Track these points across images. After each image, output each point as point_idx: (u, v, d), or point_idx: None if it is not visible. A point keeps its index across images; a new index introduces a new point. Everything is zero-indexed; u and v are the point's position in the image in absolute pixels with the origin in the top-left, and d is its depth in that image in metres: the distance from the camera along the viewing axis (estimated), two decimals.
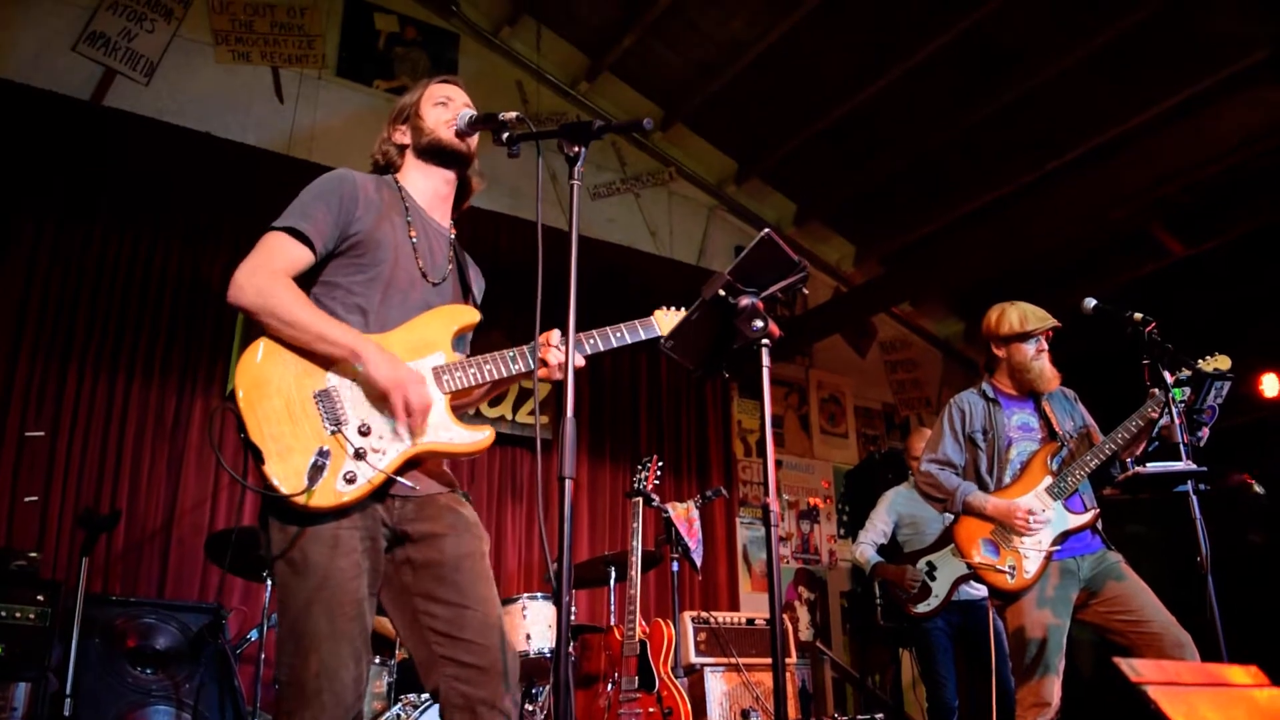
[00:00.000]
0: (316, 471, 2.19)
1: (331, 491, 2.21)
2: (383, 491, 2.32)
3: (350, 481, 2.24)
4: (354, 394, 2.33)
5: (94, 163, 5.91)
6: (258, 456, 2.19)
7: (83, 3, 6.18)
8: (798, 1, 6.65)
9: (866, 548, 5.66)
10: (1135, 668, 1.34)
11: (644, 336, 2.74)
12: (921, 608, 5.12)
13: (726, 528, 7.86)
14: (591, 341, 2.61)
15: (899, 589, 5.24)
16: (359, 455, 2.26)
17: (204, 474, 5.87)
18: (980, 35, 6.58)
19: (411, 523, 2.38)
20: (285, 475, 2.18)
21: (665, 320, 2.79)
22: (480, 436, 2.44)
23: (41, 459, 5.42)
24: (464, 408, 2.65)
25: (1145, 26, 6.17)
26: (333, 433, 2.26)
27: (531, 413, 6.67)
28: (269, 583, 4.54)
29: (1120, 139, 6.93)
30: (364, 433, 2.29)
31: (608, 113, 7.83)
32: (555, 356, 2.51)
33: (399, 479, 2.31)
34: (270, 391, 2.26)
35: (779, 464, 8.47)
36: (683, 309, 2.80)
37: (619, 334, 2.68)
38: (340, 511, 2.24)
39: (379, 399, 2.32)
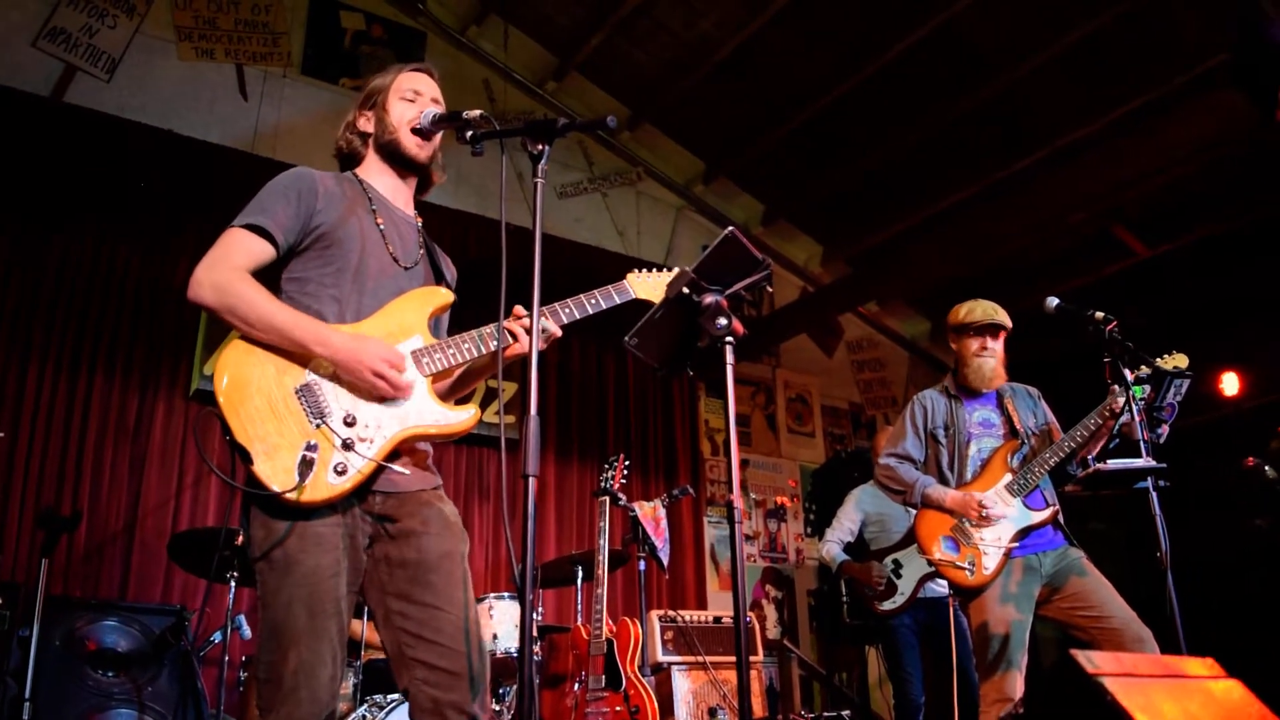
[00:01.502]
0: (306, 466, 2.18)
1: (324, 485, 2.21)
2: (365, 488, 2.31)
3: (341, 473, 2.23)
4: (335, 386, 2.32)
5: (55, 160, 5.82)
6: (245, 457, 2.18)
7: None
8: (766, 2, 6.68)
9: (833, 545, 5.69)
10: (1092, 660, 1.36)
11: (618, 300, 2.71)
12: (887, 605, 5.16)
13: (694, 527, 7.88)
14: (567, 310, 2.59)
15: (865, 586, 5.27)
16: (347, 446, 2.25)
17: (167, 475, 5.81)
18: (947, 38, 6.63)
19: (392, 519, 2.37)
20: (274, 473, 2.17)
21: (639, 282, 2.76)
22: (465, 416, 2.44)
23: (0, 461, 5.34)
24: (445, 392, 2.63)
25: (1109, 31, 6.25)
26: (317, 426, 2.25)
27: (498, 411, 6.65)
28: (232, 584, 4.50)
29: (1084, 142, 7.02)
30: (349, 423, 2.28)
31: (576, 112, 7.82)
32: (526, 329, 2.48)
33: (390, 465, 2.31)
34: (251, 391, 2.24)
35: (746, 463, 8.49)
36: (655, 270, 2.80)
37: (593, 300, 2.65)
38: (327, 506, 2.23)
39: (356, 387, 2.30)
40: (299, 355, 2.31)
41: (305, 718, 2.15)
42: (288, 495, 2.16)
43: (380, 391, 2.31)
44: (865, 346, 9.66)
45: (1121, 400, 3.60)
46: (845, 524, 5.79)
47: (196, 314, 6.05)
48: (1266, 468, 4.61)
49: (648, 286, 2.75)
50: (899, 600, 5.11)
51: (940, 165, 7.76)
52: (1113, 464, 3.40)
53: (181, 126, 6.24)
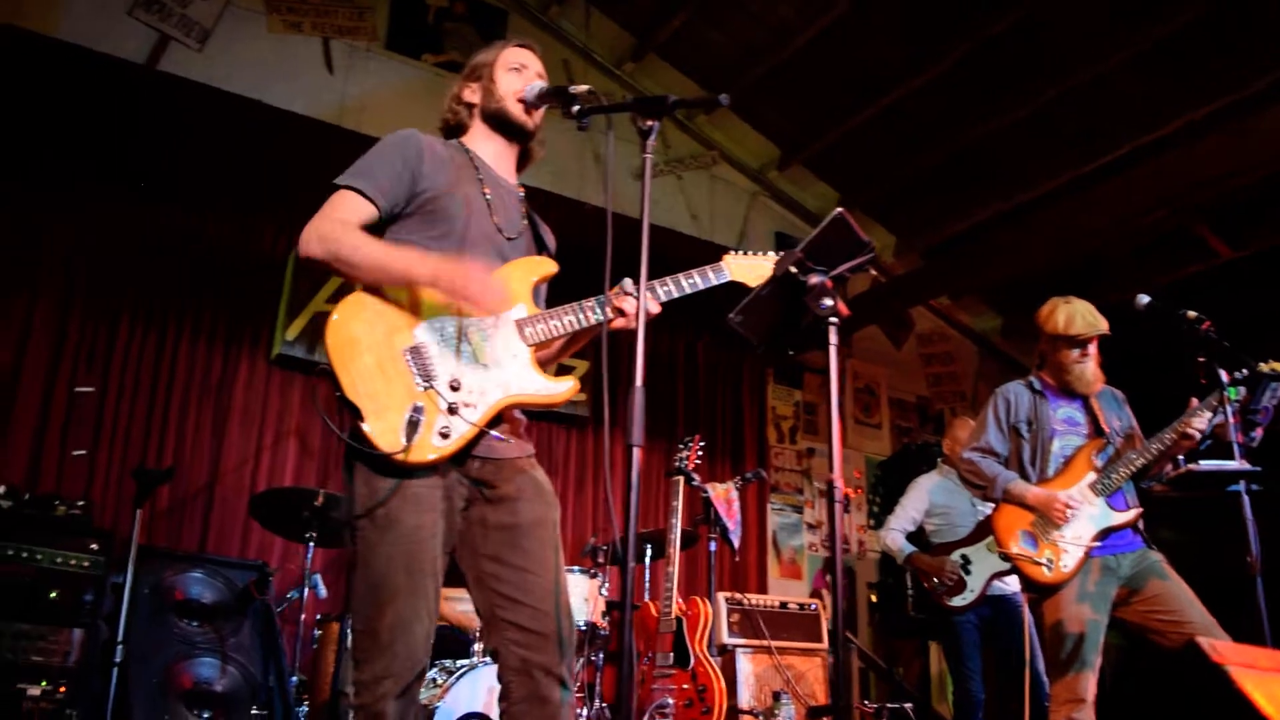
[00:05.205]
0: (412, 428, 2.23)
1: (428, 447, 2.26)
2: (465, 452, 2.35)
3: (445, 436, 2.28)
4: (442, 349, 2.36)
5: (147, 127, 5.94)
6: (355, 414, 2.23)
7: None
8: None
9: (897, 534, 5.62)
10: (1216, 649, 1.35)
11: (715, 281, 2.70)
12: (956, 601, 5.12)
13: (757, 513, 7.88)
14: (665, 288, 2.60)
15: (935, 581, 5.24)
16: (452, 410, 2.30)
17: (247, 436, 5.95)
18: (1030, 28, 6.51)
19: (489, 484, 2.42)
20: (383, 432, 2.22)
21: (735, 265, 2.76)
22: (564, 387, 2.48)
23: (90, 414, 5.50)
24: (544, 361, 2.66)
25: (1196, 26, 6.08)
26: (425, 389, 2.30)
27: (588, 385, 6.71)
28: (310, 544, 4.60)
29: (1168, 139, 6.85)
30: (454, 388, 2.33)
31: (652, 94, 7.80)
32: (631, 305, 2.49)
33: (491, 432, 2.36)
34: (360, 349, 2.29)
35: (811, 452, 8.46)
36: (750, 253, 2.79)
37: (691, 280, 2.65)
38: (429, 468, 2.28)
39: (461, 352, 2.34)
40: (408, 316, 2.36)
41: (400, 671, 2.21)
42: (396, 456, 2.21)
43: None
44: (935, 340, 9.54)
45: (1199, 421, 3.54)
46: (910, 512, 5.71)
47: (280, 281, 6.16)
48: None
49: (744, 269, 2.75)
50: (969, 597, 5.07)
51: (1019, 159, 7.62)
52: (1205, 465, 3.36)
53: (269, 97, 6.33)
